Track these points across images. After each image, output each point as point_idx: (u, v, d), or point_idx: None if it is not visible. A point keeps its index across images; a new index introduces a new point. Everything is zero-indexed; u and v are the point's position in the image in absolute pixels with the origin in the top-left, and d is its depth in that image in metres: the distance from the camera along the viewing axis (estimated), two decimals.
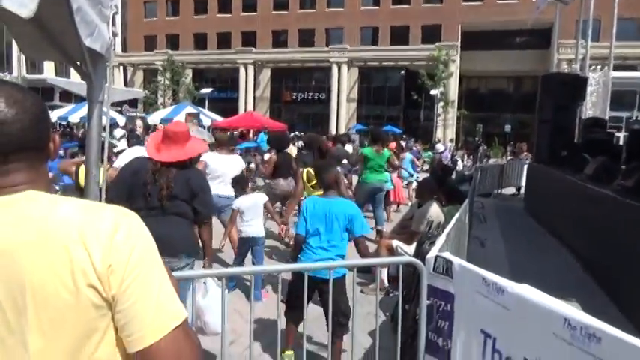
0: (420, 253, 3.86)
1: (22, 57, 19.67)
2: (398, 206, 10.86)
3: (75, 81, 31.35)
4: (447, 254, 2.83)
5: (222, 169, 5.68)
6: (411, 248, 5.33)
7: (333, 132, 31.74)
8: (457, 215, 4.52)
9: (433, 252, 2.95)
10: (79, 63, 1.75)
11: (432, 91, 34.82)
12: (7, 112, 0.95)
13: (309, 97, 43.28)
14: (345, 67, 40.69)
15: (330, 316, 2.89)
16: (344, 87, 40.79)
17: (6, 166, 0.96)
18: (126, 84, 43.50)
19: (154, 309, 0.96)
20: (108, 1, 1.69)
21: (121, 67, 44.86)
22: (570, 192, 7.33)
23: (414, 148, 18.40)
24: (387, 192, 8.99)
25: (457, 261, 2.72)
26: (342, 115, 40.52)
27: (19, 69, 18.45)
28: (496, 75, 40.89)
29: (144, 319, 0.94)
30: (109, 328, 0.96)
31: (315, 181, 4.72)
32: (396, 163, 8.63)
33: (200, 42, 46.12)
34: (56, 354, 0.93)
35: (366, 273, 5.40)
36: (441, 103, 36.35)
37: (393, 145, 11.28)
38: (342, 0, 42.01)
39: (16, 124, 0.95)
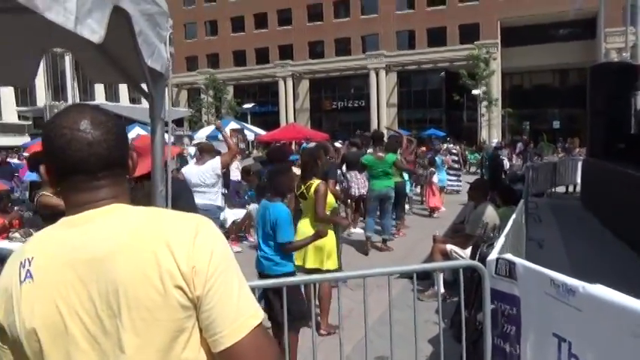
0: (479, 257, 3.76)
1: (76, 85, 20.83)
2: (432, 212, 10.55)
3: (123, 105, 32.89)
4: (508, 256, 2.73)
5: (195, 179, 5.74)
6: (467, 252, 5.20)
7: None
8: (514, 216, 4.37)
9: (493, 254, 2.86)
10: (141, 84, 1.81)
11: (474, 91, 34.08)
12: (93, 133, 1.02)
13: (349, 105, 43.36)
14: (382, 73, 40.53)
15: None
16: (383, 93, 40.61)
17: (95, 183, 1.04)
18: (172, 104, 44.97)
19: (236, 309, 1.00)
20: (164, 23, 1.75)
21: (166, 88, 46.48)
22: (633, 186, 6.95)
23: (454, 149, 17.51)
24: (404, 195, 8.78)
25: (520, 262, 2.63)
26: (383, 120, 40.30)
27: (72, 96, 19.66)
28: (540, 70, 39.54)
29: (226, 319, 0.99)
30: (195, 329, 1.00)
31: (299, 191, 4.54)
32: (404, 165, 8.23)
33: (239, 59, 47.19)
34: (150, 354, 0.97)
35: (423, 279, 5.29)
36: (485, 103, 35.50)
37: (423, 148, 11.05)
38: (376, 6, 41.96)
39: (102, 144, 1.03)
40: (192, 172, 5.89)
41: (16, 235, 6.13)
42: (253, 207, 7.35)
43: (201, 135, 20.06)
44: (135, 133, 18.58)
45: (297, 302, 3.43)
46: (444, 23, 39.45)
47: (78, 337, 0.97)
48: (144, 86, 1.87)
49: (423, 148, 13.19)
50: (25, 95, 34.92)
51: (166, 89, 1.85)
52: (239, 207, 8.49)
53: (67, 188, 1.05)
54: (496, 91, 36.97)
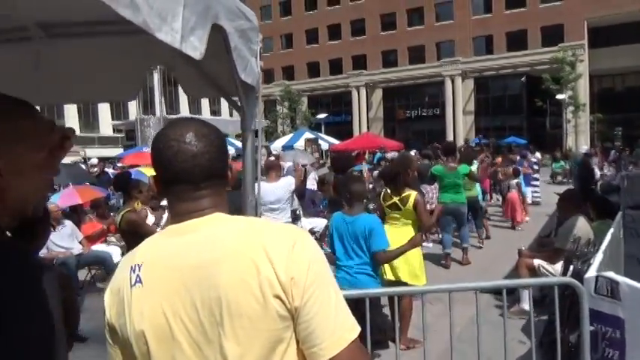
0: (572, 273, 3.51)
1: (162, 100, 22.31)
2: (513, 224, 9.97)
3: (207, 117, 34.57)
4: (610, 274, 2.52)
5: (270, 197, 5.60)
6: (556, 268, 4.87)
7: None
8: (612, 230, 4.03)
9: (592, 272, 2.65)
10: (234, 98, 1.89)
11: (559, 96, 32.12)
12: (196, 145, 1.07)
13: (423, 114, 42.59)
14: (458, 80, 39.43)
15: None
16: (459, 100, 39.47)
17: (198, 193, 1.08)
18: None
19: (334, 322, 1.00)
20: (255, 37, 1.81)
21: (256, 100, 48.46)
22: None
23: (534, 158, 16.36)
24: (478, 208, 8.40)
25: (625, 281, 2.41)
26: (459, 129, 39.14)
27: (160, 110, 21.10)
28: (633, 71, 36.45)
29: (324, 331, 0.99)
30: (292, 340, 1.01)
31: (391, 201, 4.45)
32: (477, 176, 7.76)
33: (313, 70, 48.04)
34: None
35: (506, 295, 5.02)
36: (571, 108, 33.34)
37: (499, 158, 10.50)
38: (452, 12, 41.02)
39: (205, 156, 1.07)
40: (266, 189, 5.77)
41: (113, 239, 6.62)
42: None
43: (277, 145, 20.58)
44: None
45: (378, 315, 3.39)
46: (525, 26, 37.69)
47: (182, 342, 1.00)
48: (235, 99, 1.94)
49: (499, 159, 12.61)
50: (119, 110, 37.92)
51: (257, 101, 1.90)
52: (314, 216, 8.58)
53: (171, 197, 1.10)
54: (583, 95, 34.60)
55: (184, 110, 37.52)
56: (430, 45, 42.02)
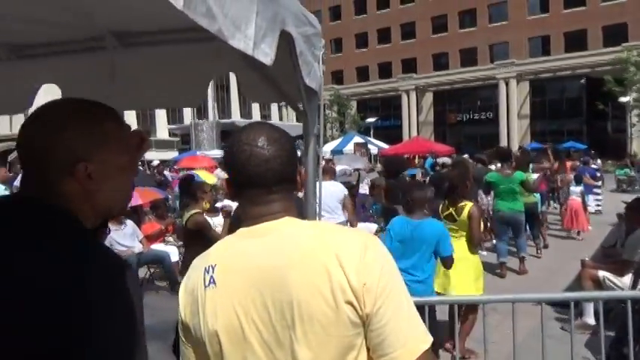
0: None
1: (215, 105, 23.02)
2: (571, 233, 9.52)
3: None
4: None
5: (328, 200, 5.61)
6: (624, 280, 4.61)
7: None
8: None
9: None
10: (298, 104, 1.91)
11: (622, 99, 30.38)
12: (270, 149, 1.08)
13: (476, 118, 41.54)
14: (513, 83, 38.20)
15: None
16: (513, 103, 38.23)
17: (270, 196, 1.09)
18: (298, 120, 47.28)
19: (406, 330, 0.99)
20: (318, 43, 1.83)
21: (318, 105, 49.04)
22: None
23: (595, 165, 15.40)
24: (537, 216, 8.02)
25: None
26: (514, 133, 37.88)
27: (213, 115, 21.77)
28: None
29: (397, 340, 0.97)
30: (362, 347, 1.00)
31: (447, 212, 4.38)
32: (534, 186, 7.28)
33: (362, 74, 47.99)
34: None
35: (566, 307, 4.79)
36: (636, 111, 31.49)
37: (555, 165, 9.98)
38: (506, 13, 39.84)
39: (277, 160, 1.08)
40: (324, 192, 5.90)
41: (170, 239, 6.85)
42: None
43: (326, 149, 20.65)
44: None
45: (432, 321, 3.32)
46: (584, 25, 36.05)
47: (254, 344, 1.01)
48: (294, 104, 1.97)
49: (556, 164, 12.02)
50: (174, 114, 39.33)
51: (320, 106, 1.92)
52: (364, 220, 8.54)
53: (244, 201, 1.12)
54: None
55: (236, 115, 38.47)
56: (483, 47, 41.00)
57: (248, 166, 1.07)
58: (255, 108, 44.02)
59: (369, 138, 22.94)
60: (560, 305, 4.65)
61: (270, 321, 1.00)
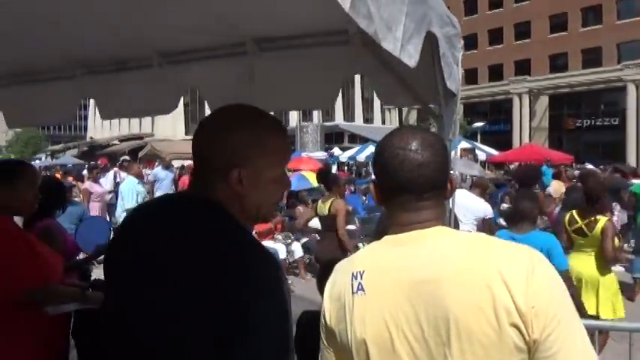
0: None
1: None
2: None
3: (360, 125, 35.32)
4: None
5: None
6: None
7: (632, 163, 26.84)
8: None
9: None
10: (431, 105, 1.87)
11: None
12: (423, 154, 1.04)
13: (598, 124, 37.91)
14: None
15: None
16: None
17: (420, 203, 1.05)
18: (400, 123, 46.75)
19: None
20: (457, 44, 1.77)
21: (396, 108, 48.49)
22: None
23: None
24: None
25: None
26: None
27: (318, 117, 22.28)
28: None
29: None
30: None
31: (577, 226, 3.95)
32: None
33: (470, 77, 46.11)
34: None
35: None
36: None
37: None
38: (636, 8, 35.88)
39: (430, 166, 1.04)
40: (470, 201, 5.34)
41: (279, 237, 7.12)
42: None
43: None
44: (369, 151, 19.79)
45: None
46: None
47: (404, 356, 0.98)
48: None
49: None
50: (280, 117, 40.83)
51: (455, 109, 1.85)
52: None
53: (394, 207, 1.09)
54: None
55: (339, 118, 38.93)
56: (609, 46, 37.32)
57: (401, 172, 1.04)
58: (359, 111, 44.26)
59: (476, 143, 21.95)
60: None
61: (422, 336, 0.96)
